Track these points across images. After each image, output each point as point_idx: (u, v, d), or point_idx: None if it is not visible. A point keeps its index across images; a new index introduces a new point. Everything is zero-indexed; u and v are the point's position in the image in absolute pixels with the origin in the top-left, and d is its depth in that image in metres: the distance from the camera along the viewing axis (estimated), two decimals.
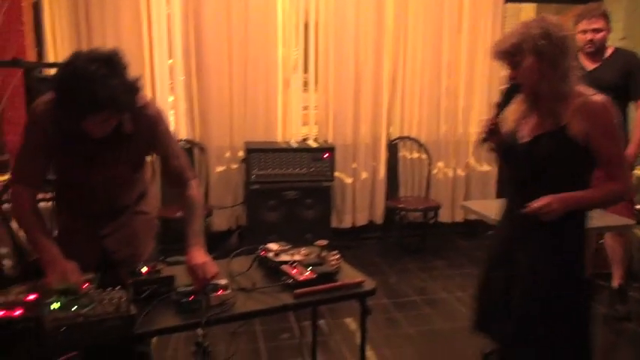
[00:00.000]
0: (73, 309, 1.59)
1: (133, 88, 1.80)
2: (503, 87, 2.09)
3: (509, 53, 1.95)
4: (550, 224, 1.93)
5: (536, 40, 1.89)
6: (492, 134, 2.05)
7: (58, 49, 4.11)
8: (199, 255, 1.92)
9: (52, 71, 3.87)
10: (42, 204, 2.81)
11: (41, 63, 3.95)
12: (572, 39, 1.96)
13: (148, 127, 1.99)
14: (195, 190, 2.12)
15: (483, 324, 2.26)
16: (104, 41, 4.06)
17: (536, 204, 1.91)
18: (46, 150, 1.91)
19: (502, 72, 4.96)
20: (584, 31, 3.43)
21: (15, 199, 1.97)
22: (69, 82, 1.68)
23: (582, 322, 2.03)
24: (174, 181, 2.12)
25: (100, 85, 1.66)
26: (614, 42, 3.53)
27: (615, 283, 3.58)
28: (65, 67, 1.73)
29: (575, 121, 1.90)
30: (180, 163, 2.11)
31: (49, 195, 2.64)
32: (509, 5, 5.14)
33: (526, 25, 1.95)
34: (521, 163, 2.03)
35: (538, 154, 1.97)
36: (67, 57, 1.75)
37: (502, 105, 2.06)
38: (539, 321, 2.00)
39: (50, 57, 4.07)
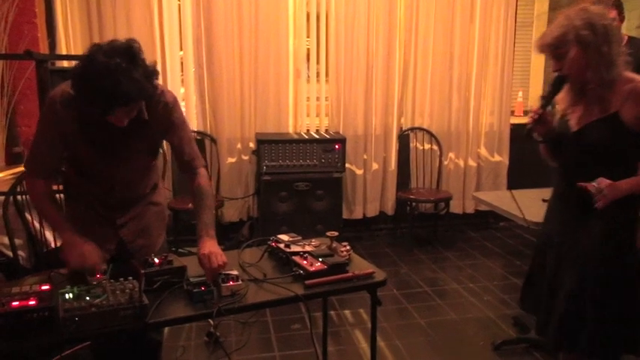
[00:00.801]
0: (86, 299, 1.61)
1: (153, 74, 1.83)
2: (551, 78, 2.08)
3: (553, 46, 1.97)
4: (604, 208, 1.95)
5: (579, 30, 1.90)
6: (538, 124, 2.06)
7: (70, 41, 4.13)
8: (209, 245, 1.93)
9: (65, 63, 3.91)
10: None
11: (53, 55, 3.97)
12: (616, 26, 1.97)
13: (165, 113, 2.02)
14: (204, 178, 2.14)
15: (531, 304, 2.30)
16: (115, 33, 4.08)
17: (591, 185, 1.95)
18: (63, 141, 1.93)
19: (515, 61, 4.94)
20: None
21: (31, 190, 2.02)
22: (94, 79, 1.68)
23: (633, 300, 2.03)
24: (186, 167, 2.15)
25: (125, 79, 1.68)
26: (629, 30, 3.50)
27: None
28: (87, 63, 1.72)
29: (627, 107, 1.92)
30: (191, 150, 2.14)
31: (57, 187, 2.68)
32: None
33: (568, 16, 1.96)
34: (571, 152, 2.06)
35: (588, 143, 1.99)
36: (87, 50, 1.75)
37: (549, 96, 2.07)
38: (591, 299, 2.01)
39: (62, 49, 4.09)
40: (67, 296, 1.62)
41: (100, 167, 2.00)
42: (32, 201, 2.08)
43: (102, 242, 2.01)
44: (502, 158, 5.08)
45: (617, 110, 1.93)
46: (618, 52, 1.94)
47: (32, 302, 1.57)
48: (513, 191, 3.02)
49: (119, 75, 1.67)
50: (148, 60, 1.83)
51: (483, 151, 5.07)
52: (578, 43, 1.91)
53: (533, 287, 2.27)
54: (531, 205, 2.89)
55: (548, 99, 2.07)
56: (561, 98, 2.11)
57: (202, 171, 2.16)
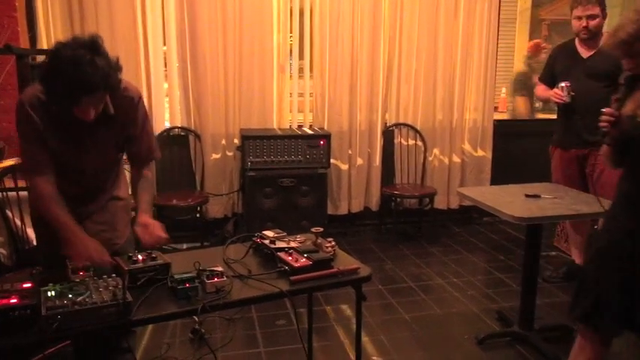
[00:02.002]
0: (69, 297, 1.59)
1: (117, 67, 1.90)
2: (623, 78, 2.00)
3: (627, 42, 1.88)
4: None
5: None
6: (614, 126, 1.97)
7: (50, 35, 4.07)
8: (149, 219, 2.07)
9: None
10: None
11: (34, 50, 3.92)
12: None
13: (130, 107, 2.10)
14: (151, 171, 2.30)
15: (595, 316, 2.13)
16: (97, 27, 4.02)
17: None
18: (43, 139, 1.97)
19: (498, 58, 4.98)
20: (579, 18, 3.42)
21: (32, 190, 2.07)
22: (60, 71, 1.75)
23: None
24: (143, 160, 2.23)
25: (90, 68, 1.75)
26: (611, 28, 3.52)
27: None
28: (52, 58, 1.80)
29: None
30: (152, 144, 2.26)
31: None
32: None
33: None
34: None
35: None
36: (51, 48, 1.84)
37: (624, 98, 1.98)
38: None
39: (43, 43, 4.03)
40: (49, 294, 1.60)
41: (69, 162, 2.06)
42: (34, 201, 2.14)
43: None
44: (485, 154, 5.11)
45: None
46: None
47: (14, 300, 1.55)
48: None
49: (84, 64, 1.75)
50: (129, 60, 1.91)
51: (467, 147, 5.10)
52: None
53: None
54: (514, 200, 2.91)
55: (622, 100, 1.97)
56: (629, 98, 2.00)
57: (152, 164, 2.31)
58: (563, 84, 3.45)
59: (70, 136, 2.00)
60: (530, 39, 5.47)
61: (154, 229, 2.03)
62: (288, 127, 4.68)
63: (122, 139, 2.15)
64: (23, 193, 2.79)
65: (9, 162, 3.34)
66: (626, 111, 1.99)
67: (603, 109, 2.01)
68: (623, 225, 2.07)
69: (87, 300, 1.58)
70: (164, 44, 4.39)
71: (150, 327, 3.08)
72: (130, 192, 2.36)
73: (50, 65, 1.80)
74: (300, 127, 4.71)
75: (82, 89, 1.76)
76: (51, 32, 4.07)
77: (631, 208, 2.07)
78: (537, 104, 5.43)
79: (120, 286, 1.65)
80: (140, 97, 2.14)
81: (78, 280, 1.73)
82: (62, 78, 1.75)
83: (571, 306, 2.22)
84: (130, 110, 2.10)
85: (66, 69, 1.74)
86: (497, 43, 5.00)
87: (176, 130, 4.52)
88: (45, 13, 4.06)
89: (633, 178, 2.08)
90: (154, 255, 1.92)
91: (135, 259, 1.88)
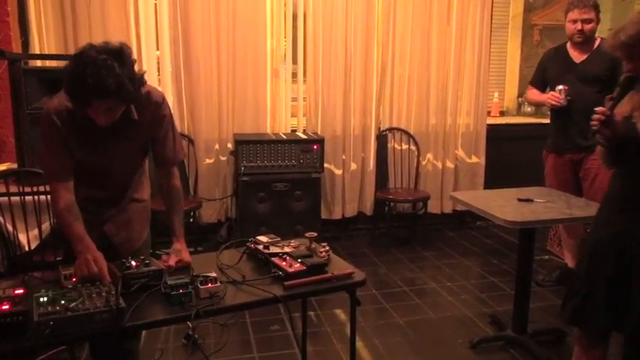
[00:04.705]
0: (61, 303, 1.58)
1: (138, 80, 1.90)
2: (621, 79, 1.99)
3: (628, 45, 1.88)
4: None
5: None
6: (605, 126, 1.96)
7: (43, 40, 4.05)
8: (184, 252, 2.07)
9: (38, 62, 3.84)
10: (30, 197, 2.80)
11: (27, 54, 3.90)
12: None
13: (154, 111, 2.10)
14: (178, 179, 2.25)
15: (583, 317, 2.14)
16: (90, 32, 4.02)
17: None
18: (66, 145, 1.99)
19: (490, 62, 5.00)
20: (575, 21, 3.44)
21: (51, 196, 2.07)
22: (78, 69, 1.77)
23: None
24: (167, 161, 2.20)
25: (106, 72, 1.76)
26: (601, 33, 3.55)
27: None
28: (76, 57, 1.82)
29: None
30: (177, 145, 2.21)
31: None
32: None
33: None
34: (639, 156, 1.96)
35: None
36: (80, 48, 1.85)
37: (618, 98, 1.97)
38: None
39: (36, 48, 4.02)
40: (41, 300, 1.59)
41: (96, 170, 2.08)
42: (54, 214, 2.19)
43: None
44: (479, 158, 5.13)
45: None
46: None
47: (5, 307, 1.54)
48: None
49: (102, 68, 1.76)
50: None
51: (460, 152, 5.11)
52: None
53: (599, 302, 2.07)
54: (507, 204, 2.92)
55: (616, 101, 1.97)
56: (627, 100, 2.00)
57: (176, 170, 2.24)
58: (560, 87, 3.46)
59: (95, 144, 2.01)
60: (523, 44, 5.51)
61: (184, 255, 2.06)
62: (281, 131, 4.68)
63: (148, 143, 2.16)
64: (15, 199, 2.77)
65: (1, 167, 3.33)
66: (622, 112, 1.99)
67: (596, 108, 2.00)
68: (613, 225, 2.08)
69: (79, 306, 1.58)
70: (157, 49, 4.38)
71: (143, 333, 3.06)
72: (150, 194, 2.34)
73: (72, 62, 1.81)
74: (293, 131, 4.71)
75: (92, 91, 1.77)
76: (43, 37, 4.06)
77: (621, 209, 2.07)
78: (529, 109, 5.46)
79: (113, 292, 1.64)
80: (164, 99, 2.14)
81: (70, 286, 1.72)
82: (77, 76, 1.77)
83: (561, 307, 2.24)
84: (156, 113, 2.10)
85: (83, 68, 1.76)
86: (490, 48, 5.02)
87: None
88: (38, 18, 4.04)
89: (625, 178, 2.08)
90: (147, 261, 1.91)
91: (128, 265, 1.87)
